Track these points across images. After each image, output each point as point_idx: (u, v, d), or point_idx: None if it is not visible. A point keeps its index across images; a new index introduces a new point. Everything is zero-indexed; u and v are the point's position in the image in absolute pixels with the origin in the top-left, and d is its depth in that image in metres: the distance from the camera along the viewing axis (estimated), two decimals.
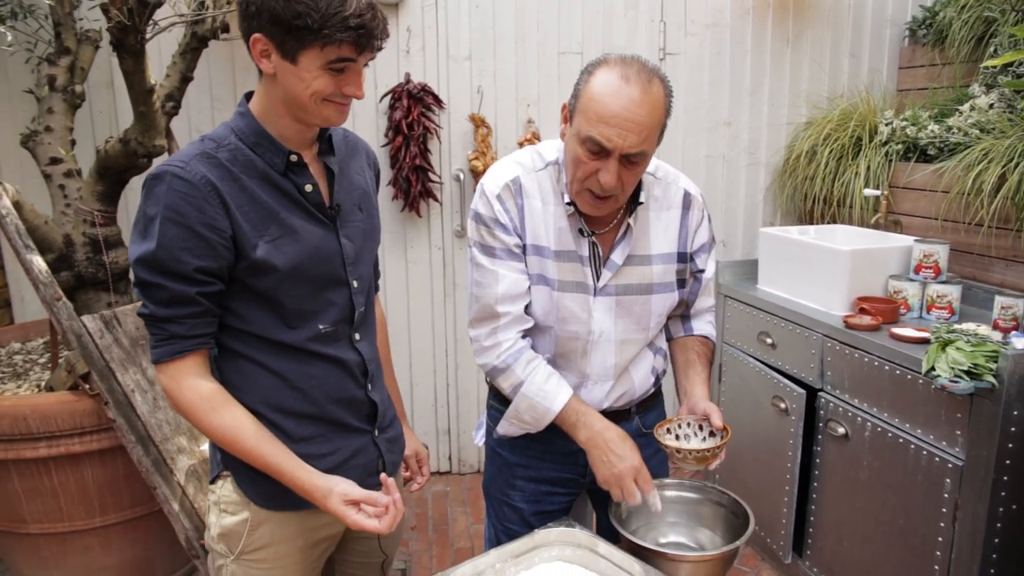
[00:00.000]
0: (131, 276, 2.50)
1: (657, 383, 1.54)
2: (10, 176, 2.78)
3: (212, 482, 1.29)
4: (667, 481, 1.45)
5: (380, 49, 1.15)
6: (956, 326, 1.98)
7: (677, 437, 1.39)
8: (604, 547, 1.28)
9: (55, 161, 2.31)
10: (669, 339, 1.58)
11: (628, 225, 1.38)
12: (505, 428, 1.47)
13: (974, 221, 2.30)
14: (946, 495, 1.84)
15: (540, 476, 1.52)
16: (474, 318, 1.42)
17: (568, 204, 1.35)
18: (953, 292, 2.17)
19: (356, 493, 1.16)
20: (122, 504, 2.22)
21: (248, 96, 1.22)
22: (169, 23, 2.20)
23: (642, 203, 1.38)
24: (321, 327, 1.23)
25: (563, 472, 1.51)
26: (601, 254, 1.39)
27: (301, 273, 1.19)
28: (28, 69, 2.63)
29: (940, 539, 1.86)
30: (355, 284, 1.27)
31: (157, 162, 2.42)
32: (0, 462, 2.06)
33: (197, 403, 1.15)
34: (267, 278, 1.16)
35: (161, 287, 1.11)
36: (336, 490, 1.16)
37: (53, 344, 2.16)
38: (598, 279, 1.39)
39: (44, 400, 2.03)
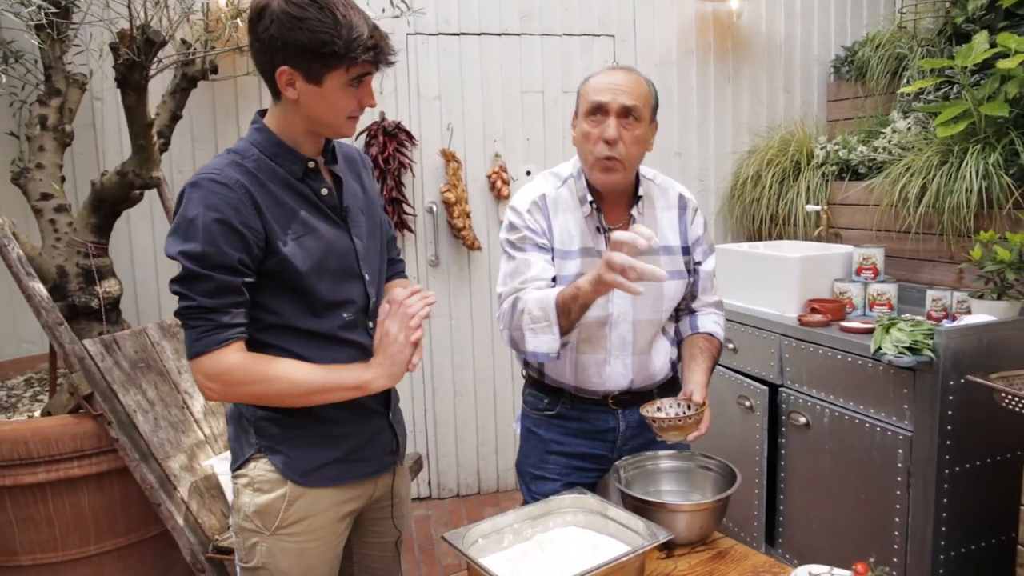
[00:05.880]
0: (121, 307, 2.56)
1: (673, 369, 1.75)
2: None
3: (240, 467, 1.36)
4: (661, 453, 1.61)
5: (392, 63, 1.31)
6: (896, 317, 2.23)
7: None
8: (612, 511, 1.41)
9: (46, 196, 2.39)
10: (679, 338, 1.75)
11: (632, 217, 1.61)
12: (525, 339, 1.49)
13: (903, 228, 2.59)
14: (899, 464, 2.04)
15: (572, 451, 1.69)
16: (503, 295, 1.56)
17: (590, 203, 1.58)
18: (891, 290, 2.43)
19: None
20: (117, 531, 2.23)
21: (261, 114, 1.34)
22: (171, 60, 2.33)
23: (641, 196, 1.61)
24: (345, 315, 1.36)
25: (595, 449, 1.68)
26: None
27: (323, 267, 1.31)
28: (10, 113, 2.70)
29: (898, 506, 2.06)
30: (367, 277, 1.41)
31: (149, 195, 2.54)
32: None
33: (248, 365, 1.23)
34: (295, 272, 1.28)
35: (209, 278, 1.21)
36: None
37: (52, 369, 2.20)
38: None
39: (45, 423, 2.06)
